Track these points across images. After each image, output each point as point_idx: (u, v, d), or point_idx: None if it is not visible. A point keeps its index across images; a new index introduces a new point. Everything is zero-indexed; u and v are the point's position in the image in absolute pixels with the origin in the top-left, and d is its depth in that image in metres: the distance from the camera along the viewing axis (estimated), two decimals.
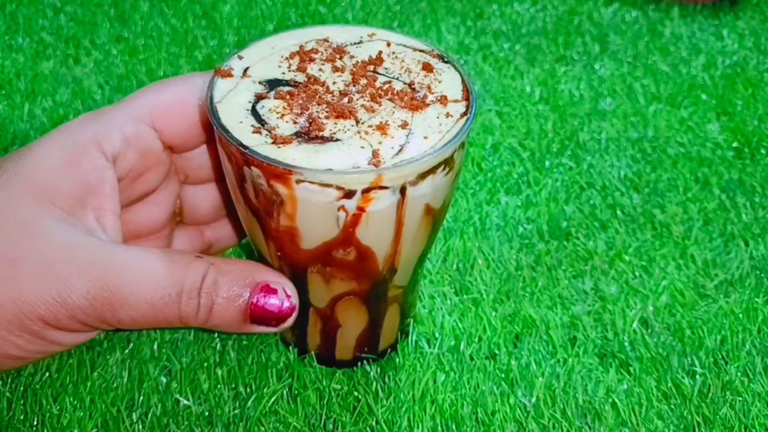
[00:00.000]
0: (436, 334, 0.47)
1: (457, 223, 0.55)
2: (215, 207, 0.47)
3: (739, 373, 0.46)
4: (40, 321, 0.37)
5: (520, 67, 0.72)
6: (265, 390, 0.44)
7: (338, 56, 0.41)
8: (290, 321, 0.40)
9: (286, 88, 0.38)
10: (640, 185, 0.59)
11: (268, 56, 0.40)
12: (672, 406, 0.44)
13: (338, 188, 0.35)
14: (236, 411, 0.43)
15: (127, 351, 0.46)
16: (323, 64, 0.40)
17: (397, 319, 0.45)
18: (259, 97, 0.38)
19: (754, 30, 0.79)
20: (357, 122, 0.37)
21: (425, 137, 0.37)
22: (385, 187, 0.36)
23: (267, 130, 0.36)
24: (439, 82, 0.40)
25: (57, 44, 0.74)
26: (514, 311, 0.49)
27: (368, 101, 0.38)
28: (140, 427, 0.42)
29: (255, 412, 0.43)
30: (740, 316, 0.49)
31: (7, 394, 0.43)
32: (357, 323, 0.44)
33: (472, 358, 0.46)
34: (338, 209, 0.36)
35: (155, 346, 0.46)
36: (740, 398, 0.44)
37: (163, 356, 0.46)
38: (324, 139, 0.36)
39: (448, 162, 0.37)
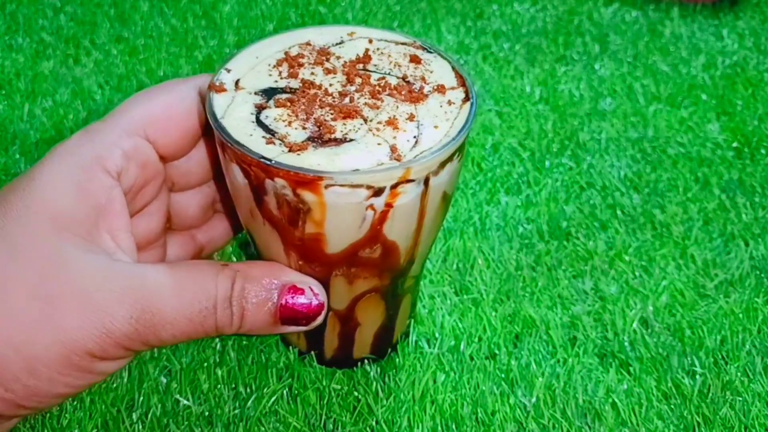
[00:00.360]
0: (436, 334, 0.47)
1: (457, 223, 0.55)
2: (203, 210, 0.47)
3: (739, 373, 0.46)
4: (88, 355, 0.36)
5: (520, 67, 0.72)
6: (265, 390, 0.44)
7: (324, 58, 0.40)
8: (320, 319, 0.40)
9: (285, 96, 0.38)
10: (640, 185, 0.59)
11: (255, 66, 0.40)
12: (672, 406, 0.44)
13: (368, 187, 0.35)
14: (236, 411, 0.43)
15: None
16: (313, 68, 0.40)
17: (408, 308, 0.46)
18: (260, 108, 0.37)
19: (754, 30, 0.79)
20: (365, 120, 0.37)
21: (435, 126, 0.37)
22: (412, 180, 0.36)
23: (279, 139, 0.36)
24: (431, 72, 0.41)
25: (57, 44, 0.74)
26: (514, 311, 0.49)
27: (369, 99, 0.38)
28: (140, 427, 0.42)
29: (255, 412, 0.43)
30: (740, 316, 0.49)
31: None
32: (375, 319, 0.44)
33: (472, 358, 0.46)
34: (367, 208, 0.36)
35: None
36: (740, 398, 0.44)
37: (163, 356, 0.46)
38: (338, 141, 0.36)
39: (461, 148, 0.38)
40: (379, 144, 0.36)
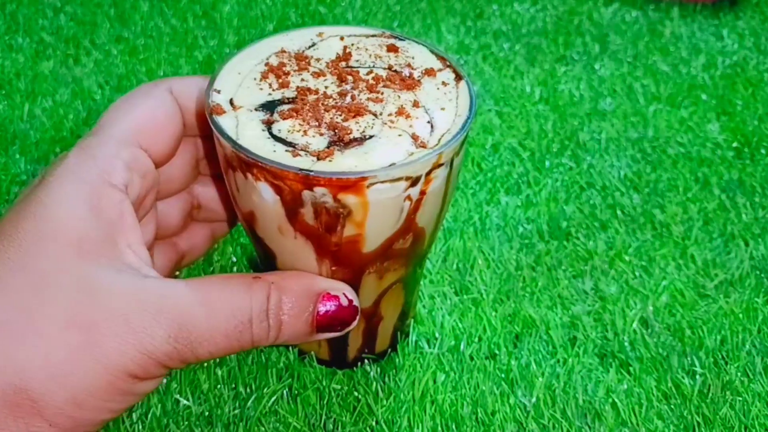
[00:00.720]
0: (436, 334, 0.47)
1: (457, 223, 0.55)
2: (184, 217, 0.47)
3: (739, 373, 0.46)
4: (131, 378, 0.36)
5: (520, 67, 0.72)
6: (265, 390, 0.44)
7: (305, 63, 0.40)
8: (355, 323, 0.40)
9: (287, 107, 0.38)
10: (640, 185, 0.59)
11: (242, 82, 0.39)
12: (672, 406, 0.44)
13: (407, 179, 0.36)
14: (236, 411, 0.43)
15: None
16: (300, 74, 0.39)
17: (418, 293, 0.47)
18: (268, 123, 0.37)
19: (754, 30, 0.79)
20: (375, 115, 0.37)
21: (442, 108, 0.38)
22: (442, 164, 0.37)
23: (302, 150, 0.35)
24: (412, 58, 0.41)
25: (57, 44, 0.74)
26: (514, 311, 0.49)
27: (369, 94, 0.38)
28: (140, 427, 0.42)
29: (255, 412, 0.43)
30: (740, 316, 0.49)
31: None
32: (395, 310, 0.44)
33: (472, 358, 0.46)
34: (404, 200, 0.37)
35: None
36: (740, 398, 0.44)
37: None
38: (360, 140, 0.36)
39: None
40: (399, 135, 0.36)
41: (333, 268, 0.39)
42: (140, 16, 0.78)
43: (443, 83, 0.40)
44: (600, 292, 0.51)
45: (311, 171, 0.34)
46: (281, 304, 0.38)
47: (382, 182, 0.35)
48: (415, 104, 0.38)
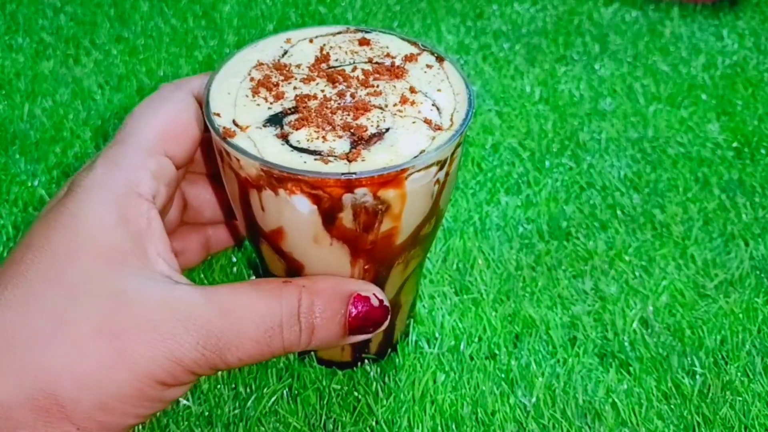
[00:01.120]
0: (436, 334, 0.47)
1: (457, 223, 0.55)
2: (178, 216, 0.46)
3: (739, 373, 0.46)
4: (159, 385, 0.36)
5: (520, 67, 0.72)
6: (265, 390, 0.44)
7: (287, 71, 0.40)
8: (386, 324, 0.40)
9: (293, 117, 0.37)
10: (640, 185, 0.59)
11: (235, 102, 0.39)
12: (672, 406, 0.44)
13: (437, 163, 0.36)
14: (236, 411, 0.43)
15: None
16: (289, 82, 0.39)
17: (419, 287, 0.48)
18: (283, 137, 0.36)
19: (754, 30, 0.79)
20: (381, 108, 0.38)
21: (438, 90, 0.39)
22: (461, 143, 0.38)
23: (330, 155, 0.35)
24: (387, 47, 0.42)
25: (57, 44, 0.74)
26: (514, 311, 0.49)
27: (366, 89, 0.39)
28: (140, 427, 0.42)
29: (255, 412, 0.43)
30: (740, 316, 0.49)
31: None
32: (411, 296, 0.45)
33: (472, 358, 0.46)
34: (434, 183, 0.37)
35: None
36: (740, 398, 0.44)
37: None
38: (379, 135, 0.36)
39: None
40: (413, 122, 0.37)
41: (366, 267, 0.39)
42: (140, 16, 0.78)
43: (428, 66, 0.41)
44: (600, 292, 0.51)
45: (355, 173, 0.34)
46: (313, 307, 0.38)
47: (418, 171, 0.36)
48: (412, 90, 0.39)
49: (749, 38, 0.78)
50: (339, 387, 0.44)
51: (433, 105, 0.38)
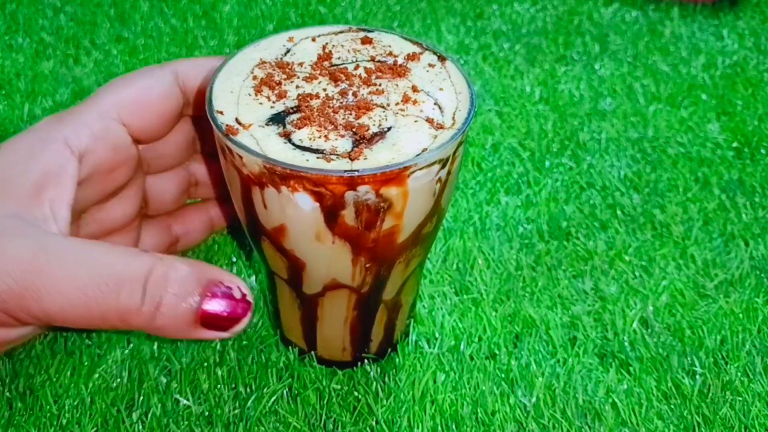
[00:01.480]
0: (436, 334, 0.47)
1: (457, 223, 0.55)
2: (178, 193, 0.47)
3: (739, 373, 0.46)
4: None
5: (520, 67, 0.72)
6: (265, 390, 0.44)
7: (289, 70, 0.40)
8: (243, 324, 0.37)
9: (295, 116, 0.37)
10: (640, 185, 0.59)
11: (239, 100, 0.39)
12: (672, 406, 0.44)
13: (439, 161, 0.36)
14: (236, 411, 0.43)
15: (127, 351, 0.46)
16: (292, 81, 0.39)
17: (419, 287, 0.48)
18: (286, 135, 0.37)
19: (754, 30, 0.79)
20: (384, 107, 0.38)
21: (440, 89, 0.39)
22: (463, 142, 0.38)
23: (332, 154, 0.35)
24: (389, 46, 0.42)
25: (57, 44, 0.74)
26: (514, 311, 0.49)
27: (368, 87, 0.39)
28: (140, 427, 0.42)
29: (255, 412, 0.43)
30: (740, 316, 0.49)
31: (7, 394, 0.43)
32: (411, 295, 0.45)
33: (472, 358, 0.46)
34: (436, 182, 0.37)
35: (155, 346, 0.46)
36: (740, 398, 0.44)
37: (163, 356, 0.46)
38: (381, 134, 0.36)
39: None
40: (415, 121, 0.37)
41: (367, 265, 0.39)
42: (140, 16, 0.78)
43: (430, 65, 0.41)
44: (600, 292, 0.51)
45: (357, 170, 0.34)
46: (167, 279, 0.35)
47: (421, 169, 0.36)
48: (414, 89, 0.39)
49: (749, 38, 0.78)
50: (339, 387, 0.44)
51: (435, 104, 0.38)
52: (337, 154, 0.35)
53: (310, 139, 0.36)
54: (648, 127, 0.65)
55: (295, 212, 0.37)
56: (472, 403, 0.44)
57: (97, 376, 0.44)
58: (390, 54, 0.41)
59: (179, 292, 0.35)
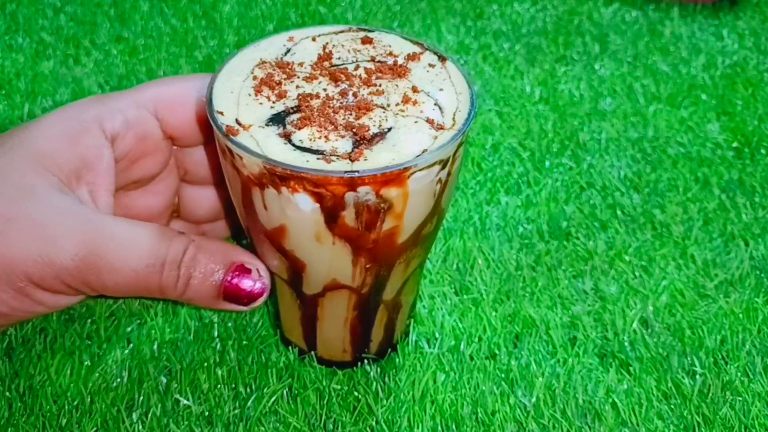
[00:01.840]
0: (436, 334, 0.47)
1: (457, 223, 0.55)
2: (213, 211, 0.48)
3: (739, 373, 0.46)
4: (26, 279, 0.38)
5: (520, 67, 0.72)
6: (265, 390, 0.44)
7: (289, 70, 0.40)
8: (260, 301, 0.42)
9: (295, 116, 0.37)
10: (640, 185, 0.59)
11: (238, 100, 0.38)
12: (672, 406, 0.44)
13: (440, 162, 0.36)
14: (236, 411, 0.43)
15: (127, 351, 0.46)
16: (292, 81, 0.39)
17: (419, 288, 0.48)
18: (286, 136, 0.36)
19: (754, 30, 0.79)
20: (384, 108, 0.38)
21: (440, 89, 0.39)
22: (463, 143, 0.38)
23: (332, 154, 0.35)
24: (389, 46, 0.42)
25: (57, 44, 0.74)
26: (514, 311, 0.49)
27: (368, 88, 0.39)
28: (140, 427, 0.42)
29: (255, 412, 0.43)
30: (740, 316, 0.49)
31: (7, 394, 0.43)
32: (411, 296, 0.45)
33: (472, 358, 0.46)
34: (436, 183, 0.37)
35: (155, 346, 0.46)
36: (740, 398, 0.44)
37: (163, 356, 0.46)
38: (381, 135, 0.36)
39: None
40: (415, 122, 0.37)
41: (367, 266, 0.39)
42: (140, 16, 0.78)
43: (430, 65, 0.41)
44: (600, 292, 0.51)
45: (358, 171, 0.34)
46: (195, 260, 0.40)
47: (421, 170, 0.36)
48: (414, 90, 0.39)
49: (749, 38, 0.78)
50: (339, 387, 0.44)
51: (435, 104, 0.38)
52: (338, 155, 0.35)
53: (311, 139, 0.36)
54: (648, 127, 0.65)
55: (295, 213, 0.37)
56: (472, 403, 0.44)
57: (97, 376, 0.44)
58: (390, 54, 0.41)
59: (205, 272, 0.41)
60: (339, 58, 0.41)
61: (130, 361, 0.45)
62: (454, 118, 0.38)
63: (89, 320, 0.47)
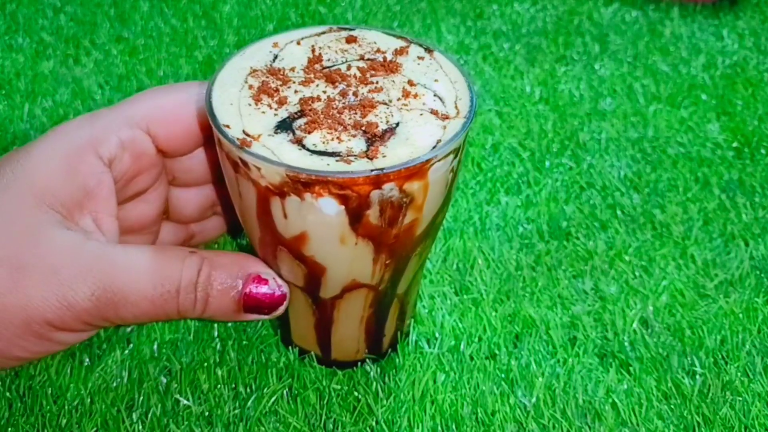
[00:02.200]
0: (436, 334, 0.47)
1: (457, 223, 0.55)
2: (201, 210, 0.48)
3: (739, 373, 0.46)
4: (47, 324, 0.38)
5: (520, 67, 0.72)
6: (265, 390, 0.44)
7: (282, 76, 0.40)
8: (281, 309, 0.42)
9: (301, 121, 0.37)
10: (640, 185, 0.59)
11: (242, 112, 0.38)
12: (672, 406, 0.44)
13: (454, 151, 0.37)
14: (236, 411, 0.43)
15: (127, 351, 0.46)
16: (289, 87, 0.39)
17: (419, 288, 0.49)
18: (298, 142, 0.36)
19: (754, 30, 0.79)
20: (386, 104, 0.38)
21: (436, 80, 0.40)
22: (470, 130, 0.38)
23: (349, 156, 0.35)
24: (374, 42, 0.42)
25: (57, 44, 0.74)
26: (514, 311, 0.49)
27: (366, 86, 0.39)
28: (140, 427, 0.42)
29: (255, 412, 0.43)
30: (740, 316, 0.49)
31: (7, 394, 0.43)
32: (417, 287, 0.45)
33: (472, 358, 0.46)
34: (449, 171, 0.38)
35: (155, 346, 0.46)
36: (740, 398, 0.44)
37: (163, 356, 0.46)
38: (390, 131, 0.37)
39: None
40: (421, 114, 0.38)
41: (387, 261, 0.39)
42: (140, 16, 0.78)
43: (419, 58, 0.41)
44: (600, 292, 0.51)
45: (383, 169, 0.35)
46: (211, 278, 0.40)
47: (440, 160, 0.36)
48: (411, 83, 0.39)
49: (749, 38, 0.78)
50: (339, 387, 0.44)
51: (434, 95, 0.39)
52: (355, 155, 0.35)
53: (323, 142, 0.36)
54: (648, 127, 0.65)
55: (318, 218, 0.36)
56: (472, 403, 0.44)
57: (97, 376, 0.44)
58: (378, 51, 0.41)
59: (223, 289, 0.40)
60: (329, 60, 0.41)
61: (130, 361, 0.45)
62: (456, 107, 0.38)
63: None
